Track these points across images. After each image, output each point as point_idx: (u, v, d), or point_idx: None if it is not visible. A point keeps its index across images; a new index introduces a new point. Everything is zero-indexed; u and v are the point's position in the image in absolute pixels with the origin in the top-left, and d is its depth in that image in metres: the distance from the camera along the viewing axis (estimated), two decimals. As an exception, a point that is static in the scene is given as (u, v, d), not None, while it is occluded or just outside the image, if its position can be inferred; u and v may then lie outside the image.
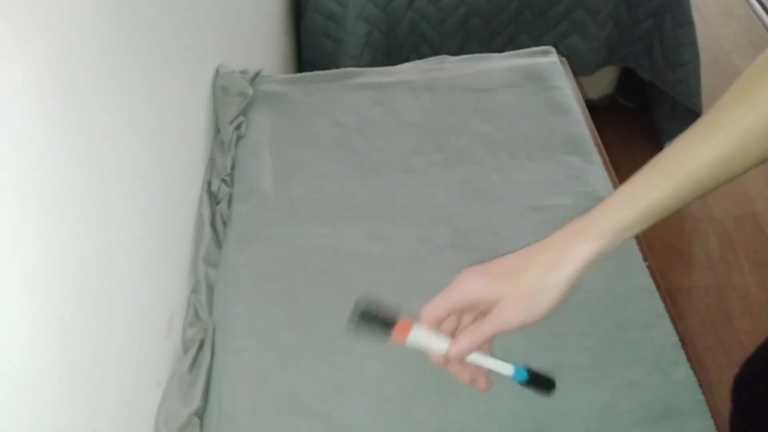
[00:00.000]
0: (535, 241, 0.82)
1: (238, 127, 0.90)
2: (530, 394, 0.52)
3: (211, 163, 0.87)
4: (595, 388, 0.65)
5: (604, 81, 1.80)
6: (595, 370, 0.67)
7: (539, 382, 0.52)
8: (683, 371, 0.66)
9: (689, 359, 0.67)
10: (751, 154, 0.44)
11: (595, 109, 1.02)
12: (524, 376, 0.51)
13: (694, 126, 0.47)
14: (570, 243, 0.48)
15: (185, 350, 0.71)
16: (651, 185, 0.47)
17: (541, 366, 0.70)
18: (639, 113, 1.83)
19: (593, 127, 0.91)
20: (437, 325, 0.51)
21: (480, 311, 0.52)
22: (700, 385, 0.66)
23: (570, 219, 0.83)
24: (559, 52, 1.01)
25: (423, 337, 0.50)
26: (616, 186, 0.84)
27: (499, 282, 0.50)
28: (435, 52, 1.59)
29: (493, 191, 0.83)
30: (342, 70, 1.01)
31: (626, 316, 0.71)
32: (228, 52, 1.01)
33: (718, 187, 0.47)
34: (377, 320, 0.49)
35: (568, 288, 0.48)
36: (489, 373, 0.53)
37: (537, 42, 1.59)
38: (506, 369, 0.51)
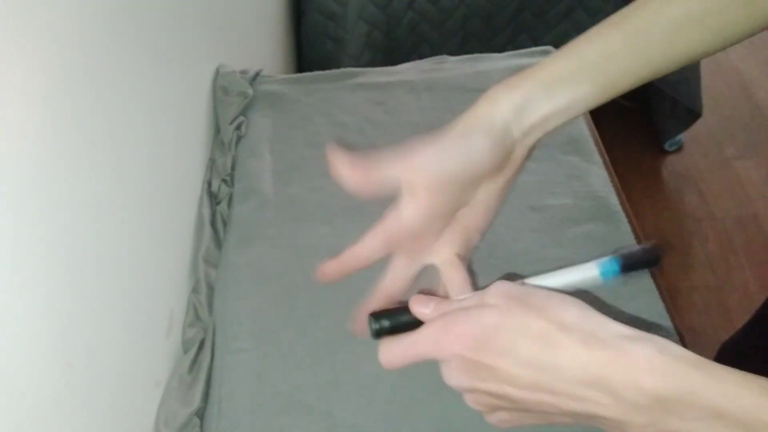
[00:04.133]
0: (535, 241, 0.82)
1: (238, 127, 0.90)
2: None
3: (212, 163, 0.87)
4: (595, 388, 0.65)
5: (604, 81, 1.80)
6: (595, 370, 0.67)
7: (639, 262, 0.44)
8: (683, 371, 0.66)
9: (689, 359, 0.67)
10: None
11: (595, 109, 1.02)
12: (616, 267, 0.43)
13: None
14: (489, 98, 0.44)
15: (185, 350, 0.71)
16: (589, 40, 0.45)
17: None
18: (639, 113, 1.84)
19: (593, 127, 0.91)
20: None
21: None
22: (700, 385, 0.65)
23: (570, 219, 0.83)
24: (559, 52, 1.01)
25: None
26: (616, 186, 0.84)
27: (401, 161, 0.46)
28: (435, 52, 1.58)
29: (493, 191, 0.82)
30: (342, 70, 1.01)
31: (626, 316, 0.71)
32: (228, 52, 1.01)
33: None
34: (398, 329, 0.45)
35: (493, 146, 0.43)
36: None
37: (537, 42, 1.59)
38: (586, 272, 0.43)
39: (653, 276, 0.74)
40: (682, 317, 1.48)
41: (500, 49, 1.04)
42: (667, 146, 1.86)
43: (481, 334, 0.39)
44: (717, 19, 0.44)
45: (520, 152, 0.46)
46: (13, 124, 0.43)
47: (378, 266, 0.77)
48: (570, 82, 0.45)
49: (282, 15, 1.53)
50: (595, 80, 0.45)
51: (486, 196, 0.47)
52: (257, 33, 1.30)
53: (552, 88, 0.44)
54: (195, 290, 0.75)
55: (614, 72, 0.45)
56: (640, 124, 1.86)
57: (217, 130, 0.92)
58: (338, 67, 1.33)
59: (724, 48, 0.45)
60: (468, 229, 0.49)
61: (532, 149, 0.47)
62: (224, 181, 0.85)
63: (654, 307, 0.71)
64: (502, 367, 0.38)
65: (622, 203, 0.81)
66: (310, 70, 1.03)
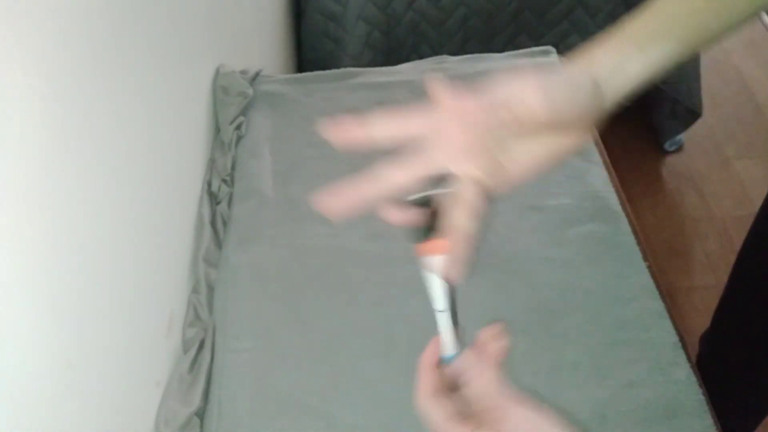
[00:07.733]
0: (535, 241, 0.82)
1: (238, 127, 0.90)
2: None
3: (212, 163, 0.87)
4: (595, 388, 0.65)
5: (604, 81, 1.80)
6: (595, 370, 0.67)
7: None
8: (683, 371, 0.66)
9: (689, 359, 0.67)
10: None
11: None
12: None
13: None
14: (585, 57, 0.46)
15: (185, 350, 0.71)
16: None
17: (540, 367, 0.70)
18: (639, 113, 1.83)
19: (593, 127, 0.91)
20: None
21: None
22: (700, 385, 0.66)
23: (570, 219, 0.83)
24: (559, 52, 1.01)
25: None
26: (616, 186, 0.84)
27: None
28: (435, 52, 1.59)
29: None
30: (342, 70, 1.01)
31: (626, 316, 0.71)
32: (228, 52, 1.01)
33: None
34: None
35: (593, 98, 0.45)
36: None
37: (537, 42, 1.59)
38: None
39: (653, 276, 0.74)
40: (682, 317, 1.48)
41: (500, 49, 1.04)
42: (667, 146, 1.85)
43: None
44: None
45: (598, 114, 0.47)
46: (13, 124, 0.43)
47: (377, 266, 0.77)
48: (660, 40, 0.45)
49: (282, 15, 1.53)
50: (682, 37, 0.46)
51: (541, 150, 0.46)
52: (257, 33, 1.30)
53: (644, 45, 0.45)
54: (195, 290, 0.75)
55: (699, 29, 0.46)
56: (640, 124, 1.86)
57: (217, 130, 0.92)
58: (338, 67, 1.33)
59: None
60: (500, 170, 0.46)
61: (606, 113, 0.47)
62: (224, 181, 0.85)
63: (654, 307, 0.71)
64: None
65: (622, 203, 0.81)
66: (310, 70, 1.03)
